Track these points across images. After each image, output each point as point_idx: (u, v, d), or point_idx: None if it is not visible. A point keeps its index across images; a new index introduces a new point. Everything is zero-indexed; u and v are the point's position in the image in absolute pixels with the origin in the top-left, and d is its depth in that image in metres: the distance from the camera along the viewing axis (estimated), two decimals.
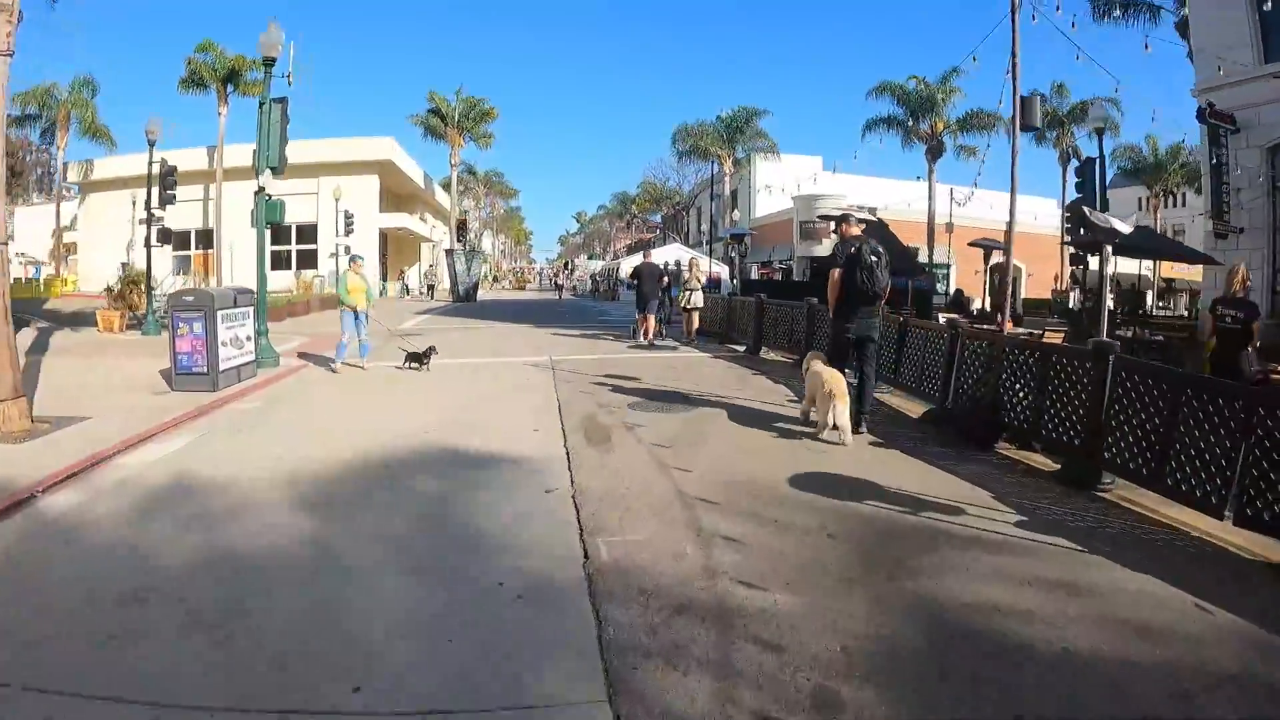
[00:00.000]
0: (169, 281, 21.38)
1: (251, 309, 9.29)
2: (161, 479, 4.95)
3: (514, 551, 3.74)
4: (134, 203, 26.26)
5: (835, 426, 5.93)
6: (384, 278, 36.28)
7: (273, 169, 10.36)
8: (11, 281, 6.92)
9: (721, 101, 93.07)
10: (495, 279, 70.64)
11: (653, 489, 4.78)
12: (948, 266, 33.22)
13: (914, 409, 7.65)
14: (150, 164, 14.80)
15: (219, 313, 8.48)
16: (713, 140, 39.56)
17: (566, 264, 57.02)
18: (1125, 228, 11.96)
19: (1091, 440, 5.05)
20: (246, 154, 31.08)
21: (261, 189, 10.21)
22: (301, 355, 11.19)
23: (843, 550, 3.81)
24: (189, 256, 30.05)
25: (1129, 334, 12.46)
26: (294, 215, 31.81)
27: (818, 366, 6.40)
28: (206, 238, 28.45)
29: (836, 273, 6.46)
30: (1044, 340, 7.96)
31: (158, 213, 14.89)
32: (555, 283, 44.25)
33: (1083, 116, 30.84)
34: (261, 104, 10.26)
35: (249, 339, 9.21)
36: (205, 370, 8.36)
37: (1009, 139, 32.52)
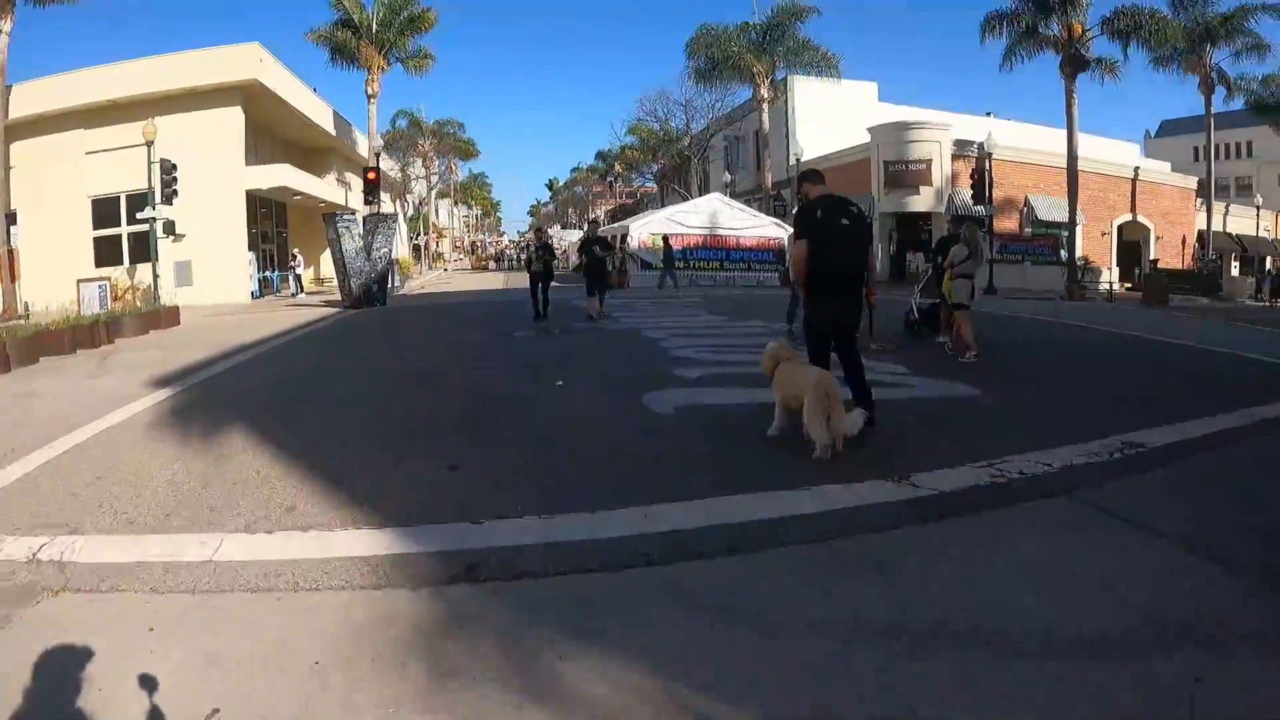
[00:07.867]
0: None
1: None
2: None
3: None
4: None
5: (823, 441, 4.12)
6: (272, 267, 26.76)
7: None
8: None
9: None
10: (467, 253, 61.23)
11: None
12: (1073, 226, 24.06)
13: None
14: None
15: None
16: (746, 50, 28.69)
17: (539, 231, 45.19)
18: None
19: None
20: (52, 93, 20.05)
21: None
22: None
23: None
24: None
25: None
26: (121, 181, 20.91)
27: (793, 364, 4.66)
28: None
29: (801, 245, 4.82)
30: None
31: None
32: (525, 261, 23.96)
33: (1233, 31, 23.47)
34: None
35: None
36: None
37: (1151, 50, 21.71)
